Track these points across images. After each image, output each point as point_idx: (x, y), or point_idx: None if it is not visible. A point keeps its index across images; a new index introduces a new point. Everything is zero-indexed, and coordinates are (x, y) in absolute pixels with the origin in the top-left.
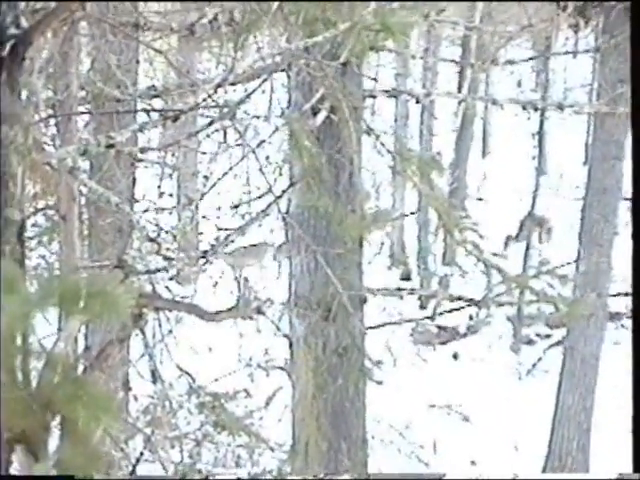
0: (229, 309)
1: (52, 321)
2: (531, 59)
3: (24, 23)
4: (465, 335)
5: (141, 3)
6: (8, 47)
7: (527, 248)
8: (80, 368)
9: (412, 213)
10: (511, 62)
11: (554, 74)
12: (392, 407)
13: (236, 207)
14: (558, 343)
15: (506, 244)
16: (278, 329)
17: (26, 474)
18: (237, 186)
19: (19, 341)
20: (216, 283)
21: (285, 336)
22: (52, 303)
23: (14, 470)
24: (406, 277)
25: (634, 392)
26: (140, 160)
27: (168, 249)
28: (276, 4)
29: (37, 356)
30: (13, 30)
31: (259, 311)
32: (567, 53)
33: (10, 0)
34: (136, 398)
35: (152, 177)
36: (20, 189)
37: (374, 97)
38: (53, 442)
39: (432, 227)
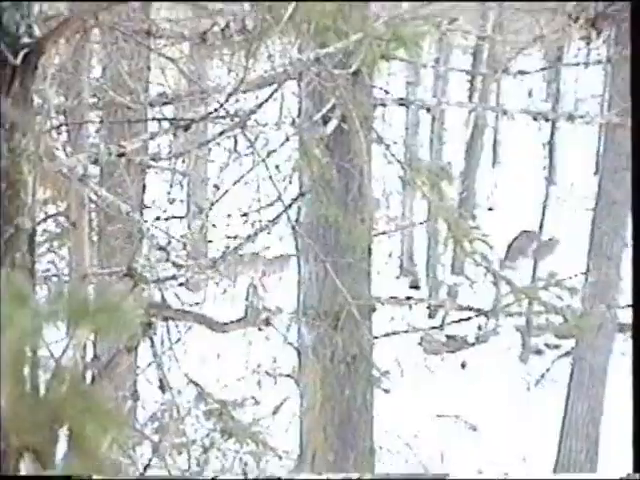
0: (238, 320)
1: (60, 326)
2: (543, 69)
3: (37, 32)
4: (473, 345)
5: (153, 10)
6: (21, 56)
7: (535, 259)
8: (89, 376)
9: (421, 223)
10: (522, 72)
11: (565, 85)
12: (400, 417)
13: (245, 215)
14: (567, 354)
15: (506, 256)
16: (286, 339)
17: None
18: (246, 194)
19: (28, 353)
20: (225, 291)
21: (291, 345)
22: (62, 317)
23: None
24: (415, 286)
25: (634, 392)
26: (150, 167)
27: (177, 256)
28: (288, 14)
29: (45, 363)
30: (26, 39)
31: (268, 322)
32: (579, 64)
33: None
34: (144, 407)
35: (162, 183)
36: (31, 197)
37: (385, 106)
38: (60, 448)
39: (441, 237)
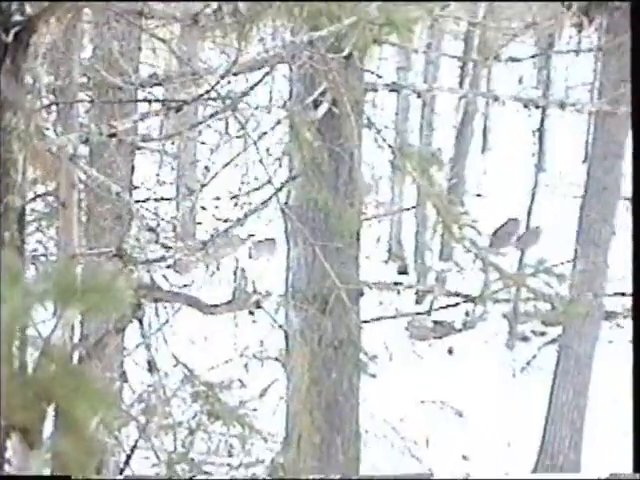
0: (228, 302)
1: (47, 306)
2: (534, 56)
3: (29, 10)
4: (460, 331)
5: None
6: (12, 33)
7: (522, 247)
8: (76, 356)
9: (410, 208)
10: (514, 59)
11: (556, 72)
12: (386, 402)
13: (235, 198)
14: (553, 341)
15: (491, 243)
16: (275, 322)
17: (20, 461)
18: (236, 176)
19: (17, 332)
20: (213, 273)
21: (281, 328)
22: (52, 296)
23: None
24: (403, 272)
25: (634, 393)
26: (140, 148)
27: (167, 238)
28: None
29: (33, 343)
30: (18, 17)
31: (258, 305)
32: (570, 52)
33: None
34: (132, 389)
35: (151, 164)
36: (21, 176)
37: (375, 91)
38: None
39: (430, 222)
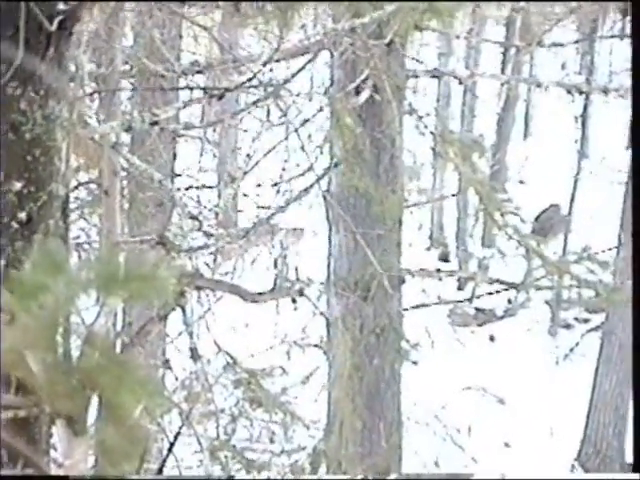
0: (271, 290)
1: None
2: (577, 42)
3: None
4: (502, 318)
5: None
6: (56, 22)
7: (566, 233)
8: (119, 344)
9: (453, 195)
10: (557, 44)
11: (599, 57)
12: (428, 389)
13: (276, 185)
14: (596, 328)
15: (534, 229)
16: (317, 308)
17: (65, 448)
18: (277, 164)
19: (61, 320)
20: (254, 260)
21: (322, 315)
22: (96, 284)
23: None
24: (445, 259)
25: (634, 392)
26: (181, 135)
27: (209, 226)
28: None
29: (76, 331)
30: (61, 5)
31: (301, 293)
32: (614, 37)
33: None
34: (175, 376)
35: (192, 152)
36: (65, 164)
37: (417, 77)
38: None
39: (471, 209)
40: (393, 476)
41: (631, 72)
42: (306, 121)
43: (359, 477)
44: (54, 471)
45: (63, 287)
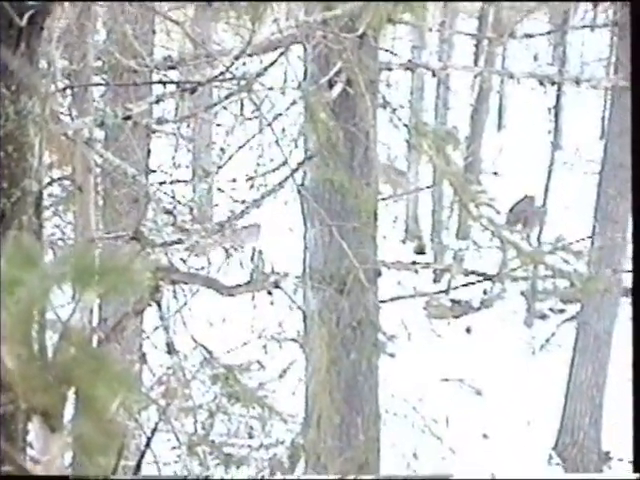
0: (246, 283)
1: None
2: (549, 33)
3: None
4: (479, 309)
5: None
6: (27, 17)
7: (540, 224)
8: (95, 339)
9: (428, 187)
10: (528, 36)
11: (571, 48)
12: (405, 381)
13: (251, 179)
14: (572, 318)
15: (507, 220)
16: (293, 302)
17: (42, 444)
18: (251, 158)
19: (36, 315)
20: (229, 255)
21: (299, 308)
22: (70, 278)
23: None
24: (420, 251)
25: (634, 393)
26: (155, 131)
27: (184, 221)
28: None
29: (52, 326)
30: (32, 0)
31: (276, 285)
32: (585, 27)
33: None
34: (152, 372)
35: (166, 147)
36: (38, 160)
37: (390, 70)
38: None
39: (447, 201)
40: (370, 477)
41: (631, 72)
42: (279, 115)
43: (336, 477)
44: (29, 467)
45: (37, 281)
